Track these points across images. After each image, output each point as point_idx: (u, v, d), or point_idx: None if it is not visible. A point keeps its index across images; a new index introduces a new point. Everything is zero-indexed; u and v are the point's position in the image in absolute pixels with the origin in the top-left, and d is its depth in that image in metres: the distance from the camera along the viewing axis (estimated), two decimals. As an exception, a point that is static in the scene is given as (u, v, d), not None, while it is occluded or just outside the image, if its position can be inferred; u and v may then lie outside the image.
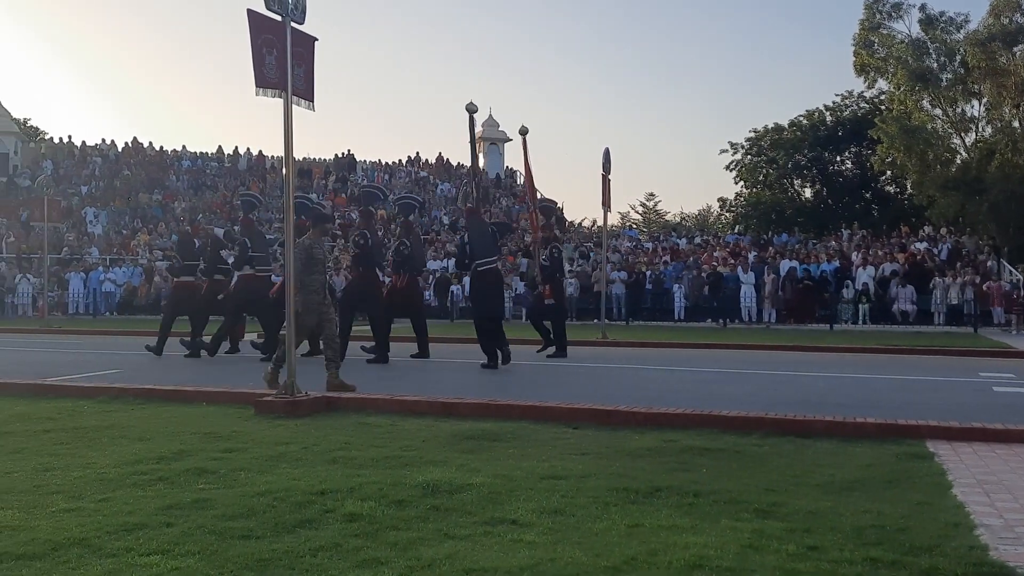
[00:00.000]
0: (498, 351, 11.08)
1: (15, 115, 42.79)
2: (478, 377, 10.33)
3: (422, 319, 12.67)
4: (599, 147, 31.65)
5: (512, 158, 40.36)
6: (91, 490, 4.48)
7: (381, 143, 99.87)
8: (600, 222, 21.61)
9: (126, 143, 40.38)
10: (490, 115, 39.15)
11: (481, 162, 31.23)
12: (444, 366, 11.73)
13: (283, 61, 7.45)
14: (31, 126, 52.40)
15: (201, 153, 40.51)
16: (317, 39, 8.02)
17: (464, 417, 6.81)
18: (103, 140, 40.69)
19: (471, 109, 11.69)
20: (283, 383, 7.43)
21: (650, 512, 4.06)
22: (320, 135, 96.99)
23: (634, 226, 47.65)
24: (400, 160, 41.31)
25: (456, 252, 13.52)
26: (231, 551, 3.45)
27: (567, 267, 18.10)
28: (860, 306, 22.01)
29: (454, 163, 40.41)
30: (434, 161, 40.97)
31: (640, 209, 56.05)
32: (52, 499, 4.30)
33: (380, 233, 13.91)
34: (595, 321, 18.95)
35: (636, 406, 6.97)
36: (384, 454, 5.39)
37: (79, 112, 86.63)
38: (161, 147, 40.39)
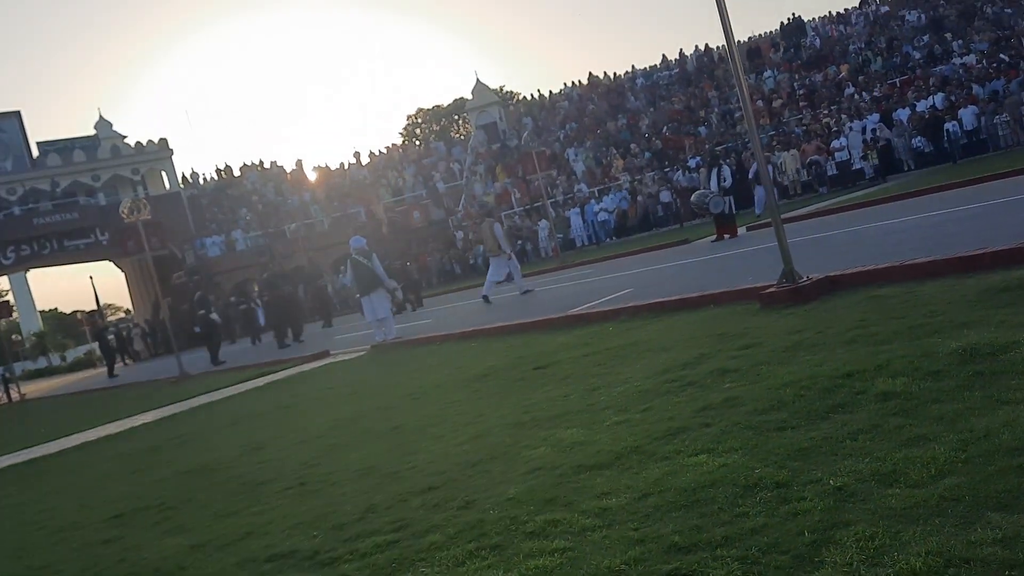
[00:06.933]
0: None
1: (492, 85, 48.42)
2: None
3: None
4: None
5: None
6: (633, 402, 4.98)
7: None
8: None
9: (580, 81, 43.18)
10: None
11: None
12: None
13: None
14: (507, 91, 59.24)
15: (651, 67, 41.53)
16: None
17: (990, 269, 6.09)
18: (564, 84, 44.10)
19: None
20: (782, 271, 7.39)
21: None
22: (764, 5, 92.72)
23: None
24: (850, 7, 37.57)
25: None
26: (770, 443, 3.58)
27: None
28: None
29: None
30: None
31: None
32: (604, 414, 4.89)
33: None
34: None
35: None
36: (907, 325, 5.08)
37: (542, 65, 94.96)
38: (614, 73, 42.41)
